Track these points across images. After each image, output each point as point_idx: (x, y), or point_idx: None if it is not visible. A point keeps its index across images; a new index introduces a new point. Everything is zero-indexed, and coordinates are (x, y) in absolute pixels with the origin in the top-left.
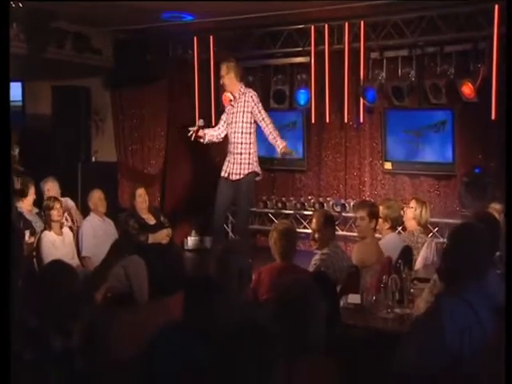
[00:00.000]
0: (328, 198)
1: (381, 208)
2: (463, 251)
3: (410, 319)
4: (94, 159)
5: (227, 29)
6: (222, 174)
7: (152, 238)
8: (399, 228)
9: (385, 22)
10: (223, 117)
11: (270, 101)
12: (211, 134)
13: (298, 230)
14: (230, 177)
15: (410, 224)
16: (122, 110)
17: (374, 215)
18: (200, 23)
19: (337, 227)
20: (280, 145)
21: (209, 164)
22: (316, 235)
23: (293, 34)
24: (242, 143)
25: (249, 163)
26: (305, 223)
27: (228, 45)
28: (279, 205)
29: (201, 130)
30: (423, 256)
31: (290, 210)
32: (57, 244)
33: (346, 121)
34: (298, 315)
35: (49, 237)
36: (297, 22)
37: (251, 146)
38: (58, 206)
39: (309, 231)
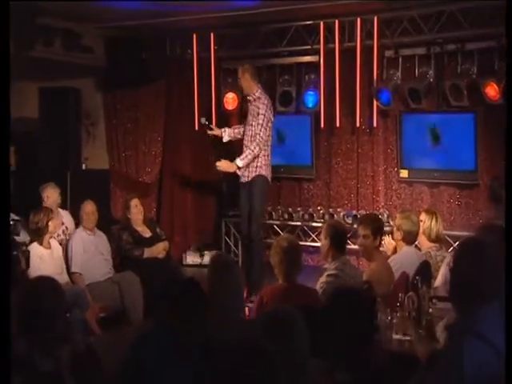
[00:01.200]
0: (338, 209)
1: (396, 218)
2: (466, 271)
3: (428, 343)
4: (84, 167)
5: (229, 25)
6: (240, 178)
7: (147, 253)
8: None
9: (400, 18)
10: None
11: (276, 103)
12: (232, 131)
13: (306, 244)
14: (243, 179)
15: (421, 239)
16: (115, 114)
17: (378, 231)
18: (200, 19)
19: (348, 240)
20: (238, 159)
21: (210, 171)
22: (325, 249)
23: (300, 30)
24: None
25: (256, 166)
26: (313, 236)
27: (230, 42)
28: (285, 216)
29: (219, 130)
30: (443, 272)
31: (297, 221)
32: (45, 258)
33: (357, 125)
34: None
35: (36, 250)
36: (305, 17)
37: (263, 149)
38: (55, 216)
39: (317, 244)
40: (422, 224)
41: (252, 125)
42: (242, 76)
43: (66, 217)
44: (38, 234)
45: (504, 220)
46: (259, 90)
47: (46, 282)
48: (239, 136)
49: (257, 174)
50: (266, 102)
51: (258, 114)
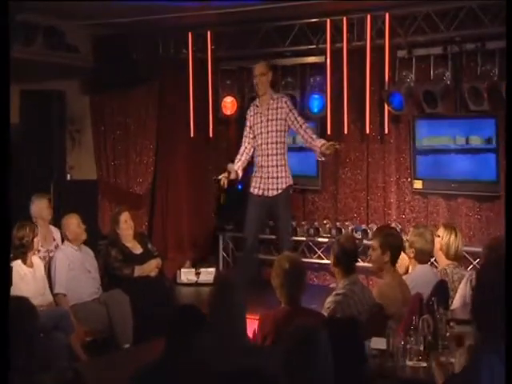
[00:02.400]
0: (346, 223)
1: (409, 233)
2: (489, 289)
3: (445, 370)
4: (69, 177)
5: (228, 23)
6: (254, 191)
7: (138, 270)
8: (432, 259)
9: (414, 14)
10: (246, 131)
11: None
12: (243, 162)
13: (311, 261)
14: (266, 193)
15: (439, 256)
16: (103, 119)
17: (387, 246)
18: (196, 16)
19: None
20: (319, 144)
21: (206, 182)
22: (332, 267)
23: (305, 28)
24: (277, 154)
25: (286, 176)
26: (319, 252)
27: (228, 42)
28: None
29: (233, 169)
30: (461, 293)
31: (302, 236)
32: (27, 278)
33: (367, 131)
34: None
35: (18, 269)
36: (310, 14)
37: (285, 156)
38: (44, 232)
39: (323, 262)
40: (439, 240)
41: (277, 130)
42: (262, 74)
43: (56, 233)
44: (22, 252)
45: None
46: (273, 92)
47: (19, 302)
48: (246, 164)
49: (288, 184)
50: (285, 98)
51: (289, 112)
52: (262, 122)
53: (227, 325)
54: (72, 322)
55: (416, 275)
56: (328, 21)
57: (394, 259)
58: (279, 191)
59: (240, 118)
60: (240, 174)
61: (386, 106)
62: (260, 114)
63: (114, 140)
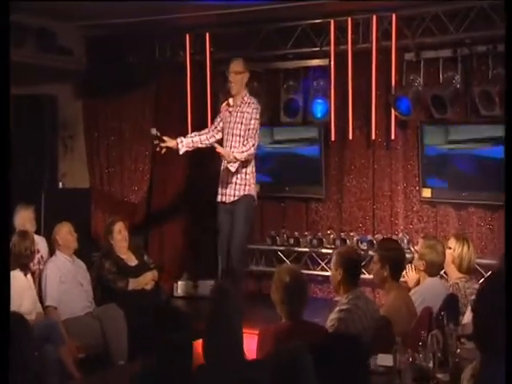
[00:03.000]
0: (351, 233)
1: (419, 244)
2: (494, 306)
3: None
4: (61, 185)
5: (227, 24)
6: (218, 198)
7: (133, 283)
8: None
9: (422, 15)
10: (216, 121)
11: (280, 113)
12: (191, 141)
13: (314, 273)
14: (225, 198)
15: (450, 270)
16: (97, 124)
17: (386, 260)
18: (194, 17)
19: (363, 269)
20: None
21: (204, 191)
22: (336, 281)
23: (308, 30)
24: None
25: (245, 184)
26: (322, 264)
27: (228, 44)
28: (291, 241)
29: (174, 140)
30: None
31: (305, 247)
32: (28, 289)
33: (373, 137)
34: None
35: (19, 279)
36: (313, 15)
37: (248, 163)
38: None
39: (327, 274)
40: (451, 252)
41: (240, 135)
42: (238, 72)
43: (41, 243)
44: (24, 263)
45: None
46: (247, 94)
47: (14, 319)
48: (199, 145)
49: (246, 192)
50: (256, 105)
51: (251, 119)
52: (230, 122)
53: (224, 338)
54: (62, 335)
55: (425, 289)
56: (332, 22)
57: (395, 274)
58: (235, 198)
59: None
60: (180, 147)
61: (392, 111)
62: (229, 113)
63: (108, 146)
